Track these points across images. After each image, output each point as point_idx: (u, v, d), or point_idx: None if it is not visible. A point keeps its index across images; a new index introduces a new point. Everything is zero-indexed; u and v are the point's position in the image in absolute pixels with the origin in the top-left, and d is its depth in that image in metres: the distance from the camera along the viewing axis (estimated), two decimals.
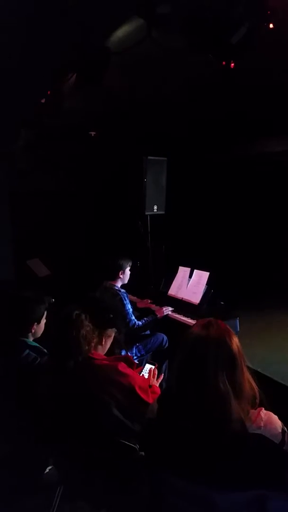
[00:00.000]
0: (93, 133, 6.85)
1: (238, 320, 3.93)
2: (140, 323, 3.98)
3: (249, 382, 1.41)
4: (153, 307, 4.42)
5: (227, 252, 7.20)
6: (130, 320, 3.91)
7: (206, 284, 4.17)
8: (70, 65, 3.58)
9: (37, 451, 2.21)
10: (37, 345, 2.49)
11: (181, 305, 4.32)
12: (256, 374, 1.46)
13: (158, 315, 4.18)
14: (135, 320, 3.96)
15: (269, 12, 2.60)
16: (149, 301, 4.63)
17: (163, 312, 4.24)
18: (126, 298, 3.96)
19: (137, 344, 4.00)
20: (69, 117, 4.58)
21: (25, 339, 2.48)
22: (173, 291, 4.54)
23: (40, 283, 5.70)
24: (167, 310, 4.27)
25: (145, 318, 4.07)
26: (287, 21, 2.79)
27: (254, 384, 1.43)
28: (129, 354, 3.79)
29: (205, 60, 2.92)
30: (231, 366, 1.37)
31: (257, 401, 1.43)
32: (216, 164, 7.62)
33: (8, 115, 4.32)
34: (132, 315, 3.96)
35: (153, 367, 2.64)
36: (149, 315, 4.17)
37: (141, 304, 4.55)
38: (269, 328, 5.21)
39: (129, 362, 2.17)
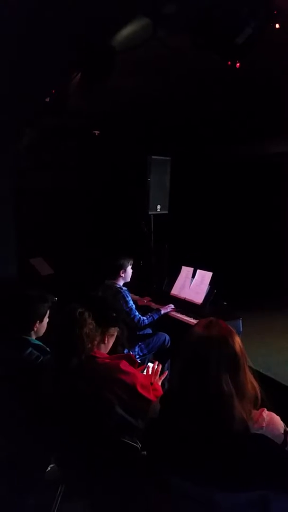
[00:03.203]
0: (97, 132, 6.86)
1: (240, 321, 3.93)
2: (145, 318, 4.00)
3: (251, 383, 1.41)
4: (153, 305, 4.43)
5: (230, 252, 7.20)
6: (135, 316, 3.93)
7: (209, 284, 4.17)
8: (75, 64, 3.58)
9: (39, 449, 2.21)
10: (40, 343, 2.50)
11: (183, 305, 4.32)
12: (258, 375, 1.46)
13: (162, 310, 4.20)
14: (140, 315, 3.97)
15: (275, 12, 2.59)
16: (149, 299, 4.65)
17: (167, 308, 4.26)
18: (128, 295, 3.99)
19: (140, 343, 4.02)
20: (73, 116, 4.58)
21: (28, 337, 2.49)
22: (176, 290, 4.54)
23: (43, 281, 5.71)
24: (170, 307, 4.30)
25: (149, 314, 4.09)
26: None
27: (256, 384, 1.42)
28: (131, 353, 3.80)
29: (210, 60, 2.91)
30: (233, 366, 1.36)
31: (259, 401, 1.43)
32: (220, 164, 7.61)
33: (12, 114, 4.32)
34: (136, 311, 3.98)
35: (155, 364, 2.64)
36: (153, 311, 4.19)
37: (141, 302, 4.56)
38: (271, 329, 5.21)
39: (131, 360, 2.18)
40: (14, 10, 2.78)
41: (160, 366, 2.63)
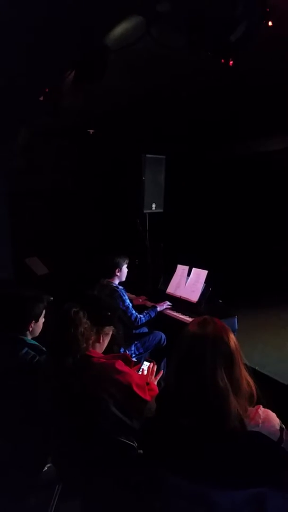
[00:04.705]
0: (91, 131, 6.84)
1: (236, 319, 3.94)
2: (142, 316, 4.00)
3: (247, 380, 1.41)
4: (148, 304, 4.43)
5: (225, 250, 7.21)
6: (132, 314, 3.93)
7: (205, 283, 4.18)
8: (68, 62, 3.57)
9: (36, 449, 2.21)
10: (36, 343, 2.49)
11: (179, 303, 4.33)
12: (253, 372, 1.46)
13: (158, 307, 4.21)
14: (137, 313, 3.97)
15: (268, 10, 2.60)
16: (144, 297, 4.65)
17: (163, 305, 4.27)
18: (125, 294, 3.98)
19: (136, 342, 4.02)
20: (68, 115, 4.56)
21: (24, 337, 2.48)
22: (171, 289, 4.54)
23: (39, 281, 5.70)
24: (165, 304, 4.31)
25: (145, 311, 4.09)
26: (287, 19, 2.79)
27: (251, 381, 1.43)
28: (127, 352, 3.80)
29: (204, 58, 2.91)
30: (229, 363, 1.37)
31: (255, 399, 1.43)
32: (214, 162, 7.62)
33: (7, 114, 4.31)
34: (133, 309, 3.98)
35: (151, 364, 2.64)
36: (149, 308, 4.19)
37: (137, 301, 4.56)
38: (267, 327, 5.22)
39: (126, 360, 2.17)
40: (9, 10, 2.77)
41: (155, 366, 2.64)
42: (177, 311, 4.25)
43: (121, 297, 3.93)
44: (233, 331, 1.48)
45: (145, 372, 2.61)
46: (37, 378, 2.14)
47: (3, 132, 4.75)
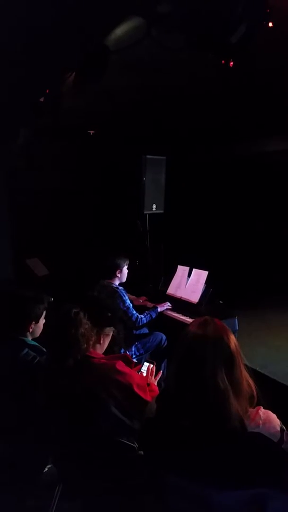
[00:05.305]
0: (92, 132, 6.85)
1: (237, 319, 3.93)
2: (142, 316, 3.99)
3: (247, 380, 1.42)
4: (149, 304, 4.43)
5: (226, 251, 7.21)
6: (133, 314, 3.93)
7: (205, 283, 4.18)
8: (69, 63, 3.57)
9: (37, 450, 2.21)
10: (36, 344, 2.49)
11: (180, 304, 4.33)
12: (254, 373, 1.46)
13: (159, 308, 4.20)
14: (138, 314, 3.97)
15: (268, 11, 2.59)
16: (145, 298, 4.65)
17: (164, 306, 4.27)
18: (125, 295, 3.98)
19: (136, 343, 4.02)
20: (68, 116, 4.57)
21: (24, 338, 2.48)
22: (172, 290, 4.54)
23: (39, 282, 5.70)
24: (166, 305, 4.32)
25: (146, 312, 4.09)
26: (287, 20, 2.79)
27: (252, 382, 1.43)
28: (128, 353, 3.79)
29: (204, 59, 2.92)
30: (229, 364, 1.37)
31: (255, 399, 1.43)
32: (215, 163, 7.62)
33: (7, 113, 4.31)
34: (133, 310, 3.97)
35: (151, 365, 2.64)
36: (150, 309, 4.19)
37: (138, 301, 4.56)
38: (267, 327, 5.22)
39: (127, 360, 2.18)
40: (10, 11, 2.77)
41: (155, 366, 2.63)
42: (178, 312, 4.25)
43: (121, 297, 3.93)
44: (234, 332, 1.48)
45: (145, 374, 2.61)
46: (37, 379, 2.14)
47: (3, 132, 4.76)
